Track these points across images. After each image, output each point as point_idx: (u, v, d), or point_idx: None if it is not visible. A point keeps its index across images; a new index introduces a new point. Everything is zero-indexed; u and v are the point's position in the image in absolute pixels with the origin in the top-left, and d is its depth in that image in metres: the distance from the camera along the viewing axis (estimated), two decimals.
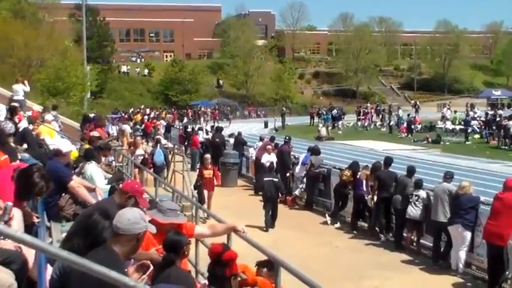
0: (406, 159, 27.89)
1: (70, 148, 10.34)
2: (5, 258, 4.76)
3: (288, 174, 21.26)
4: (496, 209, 11.70)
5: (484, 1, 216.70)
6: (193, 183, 18.35)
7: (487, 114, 49.03)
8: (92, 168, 10.36)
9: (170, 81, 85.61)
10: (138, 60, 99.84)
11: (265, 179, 17.91)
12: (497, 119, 42.86)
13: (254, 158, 24.59)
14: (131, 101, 78.87)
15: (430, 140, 42.14)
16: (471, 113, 51.19)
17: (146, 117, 51.50)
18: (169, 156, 22.32)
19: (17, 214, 5.52)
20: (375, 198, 15.73)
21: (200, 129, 35.14)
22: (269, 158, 21.08)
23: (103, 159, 12.66)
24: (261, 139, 26.86)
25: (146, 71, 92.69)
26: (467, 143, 41.42)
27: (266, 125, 59.60)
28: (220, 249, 5.32)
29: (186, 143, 32.81)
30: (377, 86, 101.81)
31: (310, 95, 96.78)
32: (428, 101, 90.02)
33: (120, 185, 7.34)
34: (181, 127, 43.56)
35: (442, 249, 13.42)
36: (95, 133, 16.78)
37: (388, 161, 16.49)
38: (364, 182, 16.70)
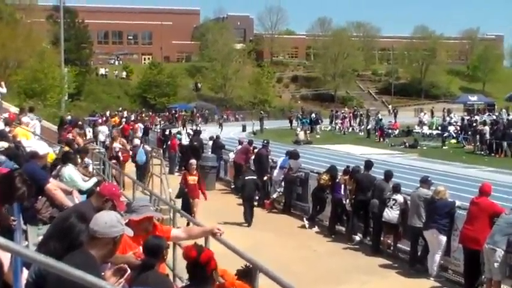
0: (384, 164, 28.02)
1: (47, 150, 10.24)
2: None
3: (265, 178, 21.26)
4: (472, 213, 11.78)
5: (461, 8, 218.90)
6: (173, 188, 18.20)
7: (463, 119, 49.48)
8: (69, 170, 10.28)
9: (148, 84, 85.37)
10: (116, 63, 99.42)
11: (246, 178, 18.47)
12: (473, 124, 43.27)
13: (232, 161, 24.63)
14: (109, 103, 78.52)
15: (407, 144, 42.42)
16: (448, 118, 51.68)
17: (124, 119, 51.21)
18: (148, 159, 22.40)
19: None
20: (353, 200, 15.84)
21: (178, 132, 35.07)
22: None
23: (79, 160, 12.55)
24: (240, 143, 26.85)
25: (124, 73, 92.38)
26: (443, 147, 41.77)
27: (244, 129, 59.61)
28: (195, 254, 5.28)
29: (164, 146, 32.69)
30: (355, 90, 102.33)
31: (288, 99, 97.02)
32: (406, 106, 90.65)
33: (98, 188, 7.28)
34: (159, 130, 43.41)
35: (419, 254, 13.48)
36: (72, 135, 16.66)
37: (369, 164, 16.58)
38: (343, 186, 16.76)
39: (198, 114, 71.54)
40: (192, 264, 5.29)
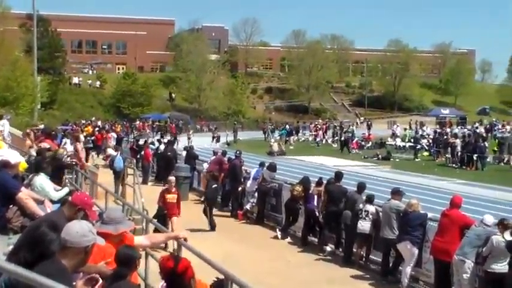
0: (357, 175, 28.17)
1: (18, 159, 10.15)
2: None
3: (239, 189, 21.28)
4: (443, 225, 11.90)
5: (434, 22, 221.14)
6: (146, 198, 18.12)
7: (435, 132, 49.94)
8: (41, 179, 10.19)
9: (122, 93, 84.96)
10: (90, 72, 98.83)
11: (212, 186, 18.88)
12: (445, 137, 43.71)
13: (206, 171, 24.60)
14: (82, 112, 78.00)
15: (380, 156, 42.68)
16: (420, 131, 52.13)
17: (97, 129, 50.89)
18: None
19: None
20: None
21: (152, 143, 34.97)
22: None
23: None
24: (215, 153, 26.84)
25: (98, 83, 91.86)
26: (416, 160, 42.09)
27: (218, 140, 59.45)
28: (172, 264, 5.28)
29: (137, 156, 32.54)
30: (329, 102, 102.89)
31: (262, 110, 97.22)
32: (379, 118, 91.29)
33: (70, 198, 7.24)
34: (132, 140, 43.20)
35: (390, 265, 13.57)
36: (45, 144, 16.51)
37: (339, 175, 16.68)
38: (316, 197, 16.82)
39: (173, 125, 71.24)
40: (170, 275, 5.29)
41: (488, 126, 59.58)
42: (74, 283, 4.62)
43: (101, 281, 4.89)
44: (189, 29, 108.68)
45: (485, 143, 39.50)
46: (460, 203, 12.14)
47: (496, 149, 41.46)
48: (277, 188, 19.80)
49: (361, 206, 14.50)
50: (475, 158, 36.83)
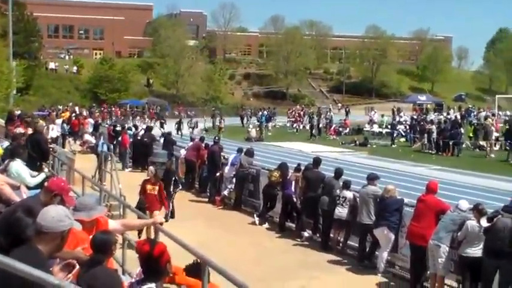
0: (334, 161, 28.31)
1: None
2: None
3: (218, 174, 21.30)
4: (418, 210, 12.01)
5: (412, 8, 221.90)
6: (123, 184, 18.06)
7: (412, 118, 50.24)
8: (17, 165, 10.13)
9: (99, 79, 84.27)
10: (67, 57, 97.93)
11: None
12: (422, 123, 44.02)
13: (183, 158, 24.59)
14: (59, 98, 77.24)
15: (357, 142, 42.91)
16: (397, 117, 52.39)
17: (74, 115, 50.51)
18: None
19: None
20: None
21: (129, 128, 34.80)
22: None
23: None
24: (192, 139, 26.79)
25: (75, 68, 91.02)
26: (393, 146, 42.38)
27: (196, 125, 59.25)
28: (148, 248, 5.30)
29: (114, 142, 32.35)
30: (307, 88, 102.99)
31: (241, 96, 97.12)
32: (357, 104, 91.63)
33: (46, 183, 7.21)
34: (110, 126, 42.96)
35: (367, 250, 13.68)
36: (20, 130, 16.41)
37: (317, 161, 16.75)
38: (293, 183, 16.88)
39: (153, 111, 70.94)
40: (146, 258, 5.31)
41: (463, 112, 59.96)
42: (51, 269, 4.61)
43: (77, 266, 4.88)
44: (167, 14, 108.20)
45: (461, 129, 39.84)
46: (435, 188, 12.24)
47: (471, 135, 41.85)
48: (255, 174, 19.83)
49: (338, 191, 14.58)
50: (451, 144, 37.17)
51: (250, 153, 20.69)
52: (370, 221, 13.30)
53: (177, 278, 7.12)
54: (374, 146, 42.02)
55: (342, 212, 14.31)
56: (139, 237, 11.83)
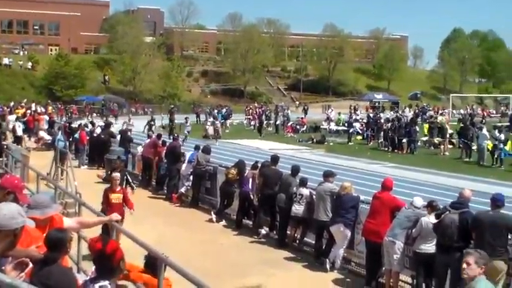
0: (291, 159, 28.43)
1: None
2: None
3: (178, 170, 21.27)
4: (374, 207, 12.15)
5: (368, 8, 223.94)
6: (80, 182, 17.85)
7: (368, 116, 50.73)
8: None
9: (55, 75, 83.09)
10: (21, 53, 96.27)
11: None
12: (378, 121, 44.49)
13: (141, 155, 24.48)
14: (12, 94, 75.83)
15: (314, 140, 43.16)
16: (354, 115, 52.85)
17: (29, 111, 49.80)
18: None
19: None
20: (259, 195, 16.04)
21: (86, 125, 34.45)
22: None
23: None
24: (149, 136, 26.64)
25: (29, 64, 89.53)
26: (349, 143, 42.74)
27: (153, 122, 58.90)
28: (100, 245, 5.26)
29: (70, 139, 31.99)
30: (264, 86, 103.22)
31: (198, 94, 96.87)
32: (314, 102, 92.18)
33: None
34: (65, 122, 42.47)
35: (323, 247, 13.78)
36: None
37: (275, 158, 16.82)
38: (250, 180, 16.92)
39: (114, 108, 70.23)
40: (98, 256, 5.26)
41: (417, 110, 60.67)
42: (3, 267, 4.55)
43: (30, 265, 4.82)
44: (124, 10, 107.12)
45: (416, 127, 40.37)
46: (391, 185, 12.40)
47: (427, 133, 42.43)
48: (212, 171, 19.82)
49: (295, 189, 14.65)
50: (406, 142, 37.64)
51: (207, 150, 20.67)
52: (326, 218, 13.39)
53: (131, 275, 7.08)
54: (331, 144, 42.31)
55: (298, 209, 14.38)
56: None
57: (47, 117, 42.80)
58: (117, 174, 14.11)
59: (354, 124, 47.02)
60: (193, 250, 13.95)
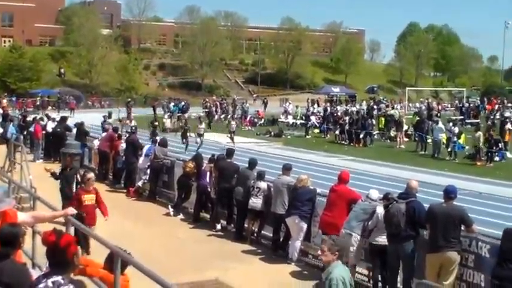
0: (249, 152, 28.49)
1: None
2: None
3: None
4: (331, 200, 12.25)
5: (326, 1, 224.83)
6: (34, 175, 17.56)
7: (325, 109, 51.07)
8: None
9: (9, 67, 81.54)
10: None
11: None
12: (335, 114, 44.85)
13: (97, 148, 24.26)
14: None
15: (272, 133, 43.30)
16: (311, 109, 53.15)
17: None
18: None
19: None
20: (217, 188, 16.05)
21: (41, 118, 33.93)
22: None
23: None
24: (105, 130, 26.39)
25: None
26: (307, 137, 42.99)
27: (110, 116, 58.40)
28: (54, 238, 5.17)
29: (25, 132, 31.49)
30: (222, 79, 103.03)
31: (156, 87, 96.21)
32: (272, 96, 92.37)
33: None
34: (20, 115, 41.77)
35: (281, 240, 13.84)
36: None
37: (230, 151, 16.85)
38: (208, 173, 16.91)
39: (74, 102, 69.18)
40: (52, 249, 5.17)
41: (372, 104, 61.09)
42: None
43: None
44: (80, 2, 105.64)
45: (373, 120, 40.80)
46: (347, 178, 12.51)
47: (383, 126, 42.91)
48: (170, 165, 19.75)
49: (252, 182, 14.67)
50: (362, 135, 38.02)
51: (164, 143, 20.58)
52: (283, 211, 13.45)
53: (88, 269, 7.02)
54: (288, 137, 42.50)
55: (256, 202, 14.41)
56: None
57: (0, 110, 42.04)
58: (91, 174, 13.09)
59: (311, 117, 47.32)
60: (151, 244, 13.90)
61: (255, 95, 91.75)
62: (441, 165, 28.96)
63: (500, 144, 31.48)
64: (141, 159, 20.88)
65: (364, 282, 11.75)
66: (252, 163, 15.68)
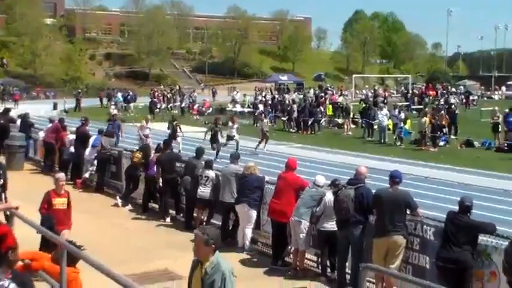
0: (196, 141, 28.37)
1: None
2: None
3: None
4: (279, 187, 12.32)
5: None
6: None
7: (273, 98, 51.24)
8: None
9: None
10: None
11: None
12: (283, 102, 45.04)
13: (42, 140, 23.88)
14: None
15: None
16: (259, 97, 53.25)
17: None
18: None
19: None
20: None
21: None
22: None
23: None
24: (51, 121, 25.99)
25: None
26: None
27: (55, 107, 57.69)
28: None
29: None
30: (169, 68, 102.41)
31: (102, 77, 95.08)
32: (220, 85, 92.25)
33: None
34: None
35: (230, 228, 13.87)
36: None
37: (167, 142, 17.01)
38: (155, 164, 16.84)
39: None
40: None
41: (317, 91, 61.38)
42: None
43: None
44: None
45: (321, 108, 41.12)
46: (294, 165, 12.59)
47: (331, 113, 43.31)
48: (117, 155, 19.61)
49: (200, 171, 14.65)
50: (310, 122, 38.30)
51: (110, 134, 20.40)
52: (232, 200, 13.47)
53: (34, 264, 6.91)
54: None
55: (204, 191, 14.39)
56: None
57: None
58: (61, 175, 12.50)
59: (259, 105, 47.41)
60: (100, 235, 13.77)
61: (202, 84, 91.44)
62: (387, 151, 29.40)
63: (444, 130, 32.08)
64: (87, 150, 20.66)
65: (313, 268, 11.87)
66: (199, 152, 15.66)
